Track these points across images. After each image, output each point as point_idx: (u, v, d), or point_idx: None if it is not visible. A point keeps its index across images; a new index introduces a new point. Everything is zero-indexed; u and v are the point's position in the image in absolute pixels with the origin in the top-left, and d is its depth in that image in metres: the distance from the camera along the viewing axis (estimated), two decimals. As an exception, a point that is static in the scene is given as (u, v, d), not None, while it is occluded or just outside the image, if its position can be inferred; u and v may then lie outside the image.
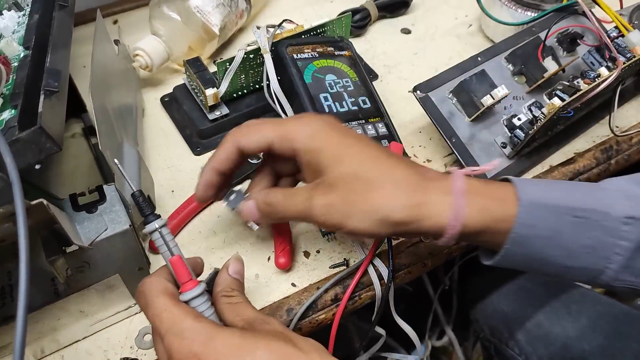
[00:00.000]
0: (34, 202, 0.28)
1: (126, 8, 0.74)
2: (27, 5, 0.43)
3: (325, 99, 0.53)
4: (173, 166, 0.56)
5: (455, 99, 0.52)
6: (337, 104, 0.53)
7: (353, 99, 0.54)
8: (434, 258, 0.49)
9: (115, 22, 0.72)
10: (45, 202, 0.29)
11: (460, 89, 0.51)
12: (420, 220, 0.37)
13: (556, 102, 0.44)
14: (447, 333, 0.93)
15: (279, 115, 0.54)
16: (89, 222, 0.38)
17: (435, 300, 0.88)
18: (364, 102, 0.54)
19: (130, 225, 0.38)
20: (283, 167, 0.43)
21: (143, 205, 0.36)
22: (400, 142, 0.52)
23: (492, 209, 0.37)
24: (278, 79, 0.54)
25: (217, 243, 0.49)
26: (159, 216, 0.37)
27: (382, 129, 0.53)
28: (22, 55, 0.37)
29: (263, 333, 0.33)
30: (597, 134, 0.58)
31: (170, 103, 0.62)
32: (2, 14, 0.41)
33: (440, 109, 0.52)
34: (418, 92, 0.52)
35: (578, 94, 0.44)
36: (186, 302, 0.35)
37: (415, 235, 0.48)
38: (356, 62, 0.57)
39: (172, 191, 0.54)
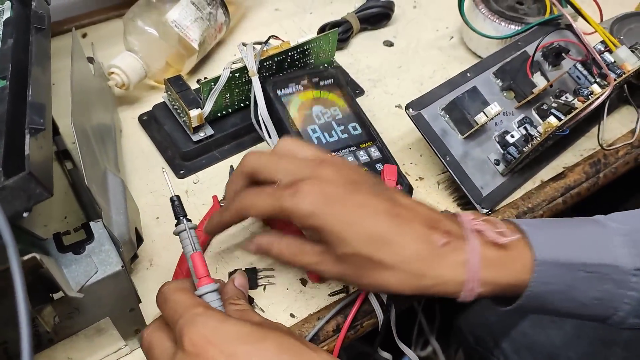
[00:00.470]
0: (26, 257, 0.26)
1: (95, 21, 0.70)
2: (-2, 28, 0.39)
3: (314, 130, 0.52)
4: (156, 191, 0.53)
5: (447, 116, 0.51)
6: (325, 134, 0.52)
7: (342, 127, 0.53)
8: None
9: (84, 35, 0.68)
10: (38, 257, 0.26)
11: (453, 107, 0.51)
12: (432, 294, 0.38)
13: (553, 121, 0.44)
14: (432, 343, 0.92)
15: (260, 137, 0.53)
16: (76, 265, 0.35)
17: (420, 312, 0.88)
18: (354, 129, 0.53)
19: (122, 266, 0.36)
20: None
21: (178, 210, 0.39)
22: (395, 164, 0.51)
23: (506, 279, 0.38)
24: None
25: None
26: (190, 220, 0.39)
27: (375, 153, 0.52)
28: (-2, 86, 0.34)
29: (272, 328, 0.34)
30: (584, 147, 0.58)
31: (149, 122, 0.59)
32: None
33: (433, 127, 0.51)
34: (410, 110, 0.50)
35: (574, 112, 0.44)
36: (200, 297, 0.36)
37: None
38: (342, 87, 0.56)
39: (157, 218, 0.51)
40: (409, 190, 0.50)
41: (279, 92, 0.53)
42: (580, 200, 0.56)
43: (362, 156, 0.51)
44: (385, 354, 0.46)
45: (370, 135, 0.53)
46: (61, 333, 0.36)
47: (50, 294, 0.34)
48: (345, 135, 0.52)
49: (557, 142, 0.56)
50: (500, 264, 0.38)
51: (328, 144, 0.51)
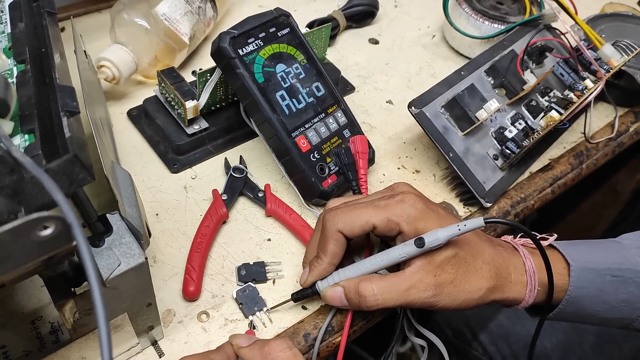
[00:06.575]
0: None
1: (73, 14, 0.68)
2: (2, 12, 0.37)
3: (282, 97, 0.50)
4: (153, 187, 0.52)
5: (447, 113, 0.53)
6: (294, 100, 0.51)
7: (307, 89, 0.52)
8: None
9: (62, 29, 0.66)
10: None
11: (454, 104, 0.52)
12: (500, 299, 0.41)
13: (555, 115, 0.46)
14: (411, 339, 0.94)
15: (253, 132, 0.53)
16: (98, 258, 0.33)
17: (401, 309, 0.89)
18: (318, 89, 0.53)
19: (145, 258, 0.34)
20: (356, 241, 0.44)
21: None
22: (362, 132, 0.53)
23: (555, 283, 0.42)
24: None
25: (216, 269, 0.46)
26: None
27: (342, 118, 0.53)
28: (15, 70, 0.32)
29: None
30: (566, 140, 0.61)
31: (138, 117, 0.58)
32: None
33: (435, 124, 0.52)
34: (413, 108, 0.51)
35: (573, 106, 0.47)
36: None
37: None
38: (299, 38, 0.54)
39: (157, 214, 0.49)
40: (373, 156, 0.53)
41: (240, 51, 0.49)
42: (566, 190, 0.58)
43: (332, 124, 0.52)
44: (419, 340, 0.47)
45: (333, 96, 0.53)
46: (79, 330, 0.34)
47: (73, 289, 0.33)
48: (312, 100, 0.52)
49: (547, 136, 0.58)
50: (543, 269, 0.41)
51: (297, 111, 0.50)
